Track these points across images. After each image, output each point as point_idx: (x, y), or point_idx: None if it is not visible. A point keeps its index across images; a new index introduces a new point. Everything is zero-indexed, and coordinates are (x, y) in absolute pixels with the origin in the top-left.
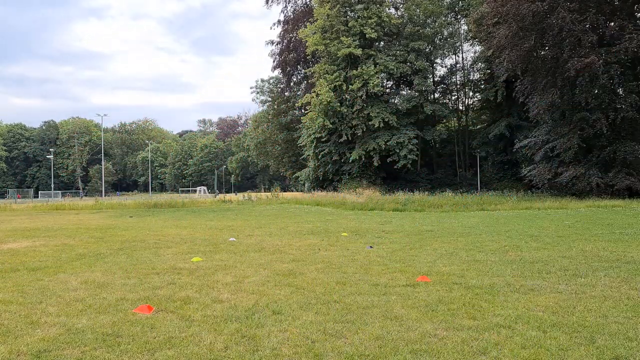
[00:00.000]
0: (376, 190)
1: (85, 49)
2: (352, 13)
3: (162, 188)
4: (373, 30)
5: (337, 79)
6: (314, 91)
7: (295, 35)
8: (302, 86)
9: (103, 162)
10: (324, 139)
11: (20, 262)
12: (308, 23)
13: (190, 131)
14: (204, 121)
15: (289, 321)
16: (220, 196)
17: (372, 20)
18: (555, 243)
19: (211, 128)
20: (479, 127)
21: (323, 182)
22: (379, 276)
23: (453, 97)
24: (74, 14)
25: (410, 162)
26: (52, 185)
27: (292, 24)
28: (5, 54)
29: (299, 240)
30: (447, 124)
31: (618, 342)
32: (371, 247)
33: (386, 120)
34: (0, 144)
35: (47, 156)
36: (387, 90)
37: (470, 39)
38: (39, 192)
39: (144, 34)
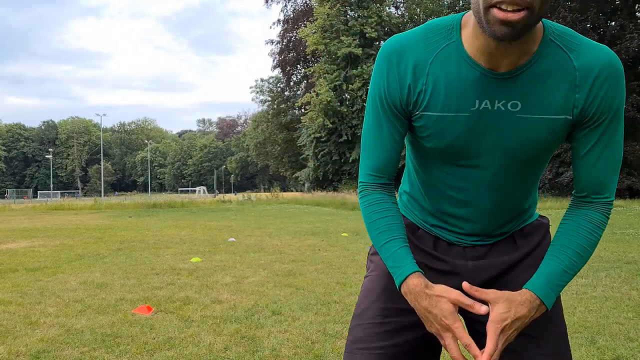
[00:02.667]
0: None
1: (84, 47)
2: (352, 12)
3: (162, 188)
4: (373, 30)
5: (337, 79)
6: (314, 91)
7: (295, 34)
8: (302, 85)
9: (102, 162)
10: (323, 139)
11: (19, 262)
12: (308, 22)
13: (190, 131)
14: (203, 121)
15: (288, 322)
16: (220, 196)
17: (372, 20)
18: None
19: (210, 128)
20: None
21: (323, 182)
22: None
23: None
24: (72, 13)
25: None
26: (51, 185)
27: (291, 23)
28: (3, 53)
29: (298, 241)
30: None
31: (619, 342)
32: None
33: None
34: (0, 143)
35: (46, 156)
36: None
37: None
38: (38, 192)
39: (143, 33)
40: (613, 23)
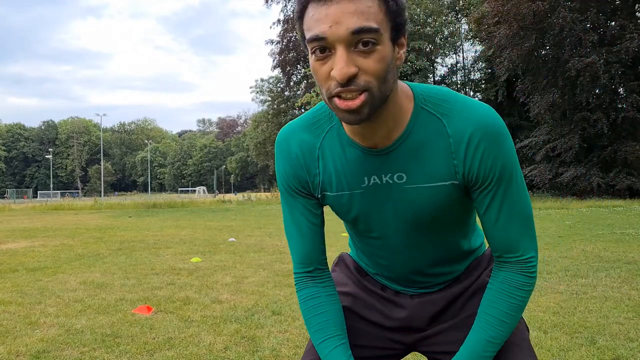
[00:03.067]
0: None
1: (84, 47)
2: None
3: (162, 188)
4: None
5: None
6: (314, 91)
7: (295, 34)
8: (302, 85)
9: (102, 162)
10: None
11: (19, 262)
12: None
13: (190, 131)
14: (203, 121)
15: (288, 322)
16: (220, 196)
17: None
18: (556, 243)
19: (211, 128)
20: None
21: None
22: None
23: None
24: (72, 13)
25: None
26: (51, 185)
27: (292, 23)
28: (2, 53)
29: None
30: None
31: (619, 342)
32: None
33: None
34: (0, 143)
35: (46, 156)
36: None
37: (470, 39)
38: (38, 192)
39: (143, 33)
40: (613, 23)
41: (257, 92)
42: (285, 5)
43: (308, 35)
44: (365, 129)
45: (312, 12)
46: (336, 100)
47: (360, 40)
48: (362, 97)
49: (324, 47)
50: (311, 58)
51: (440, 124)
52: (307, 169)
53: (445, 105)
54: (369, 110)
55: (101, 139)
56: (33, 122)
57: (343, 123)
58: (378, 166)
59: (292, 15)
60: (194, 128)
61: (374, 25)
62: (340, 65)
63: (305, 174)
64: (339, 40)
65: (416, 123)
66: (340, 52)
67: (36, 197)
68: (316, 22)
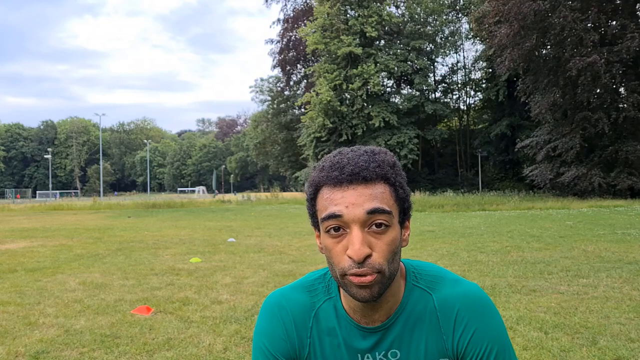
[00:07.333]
0: None
1: (81, 46)
2: (352, 11)
3: (161, 188)
4: (373, 29)
5: (337, 78)
6: (314, 90)
7: (295, 33)
8: (302, 85)
9: (101, 162)
10: (323, 139)
11: (18, 262)
12: (308, 21)
13: (189, 131)
14: (202, 121)
15: None
16: (219, 196)
17: (373, 19)
18: (557, 243)
19: (210, 127)
20: (480, 126)
21: None
22: None
23: (454, 96)
24: (69, 11)
25: (410, 161)
26: (50, 185)
27: (291, 22)
28: (0, 52)
29: (298, 241)
30: (448, 123)
31: (620, 343)
32: None
33: (387, 119)
34: None
35: (45, 156)
36: (388, 89)
37: (471, 38)
38: (37, 192)
39: (140, 31)
40: (614, 22)
41: (257, 92)
42: (285, 5)
43: (323, 214)
44: (367, 308)
45: (326, 194)
46: (349, 277)
47: (374, 221)
48: (374, 276)
49: (339, 227)
50: (324, 236)
51: (430, 299)
52: (299, 333)
53: (434, 281)
54: (379, 289)
55: (100, 139)
56: (32, 121)
57: (343, 300)
58: (373, 344)
59: (292, 15)
60: (193, 128)
61: (387, 208)
62: (356, 245)
63: (296, 337)
64: (355, 220)
65: (410, 300)
66: (356, 232)
67: (35, 197)
68: (332, 203)
